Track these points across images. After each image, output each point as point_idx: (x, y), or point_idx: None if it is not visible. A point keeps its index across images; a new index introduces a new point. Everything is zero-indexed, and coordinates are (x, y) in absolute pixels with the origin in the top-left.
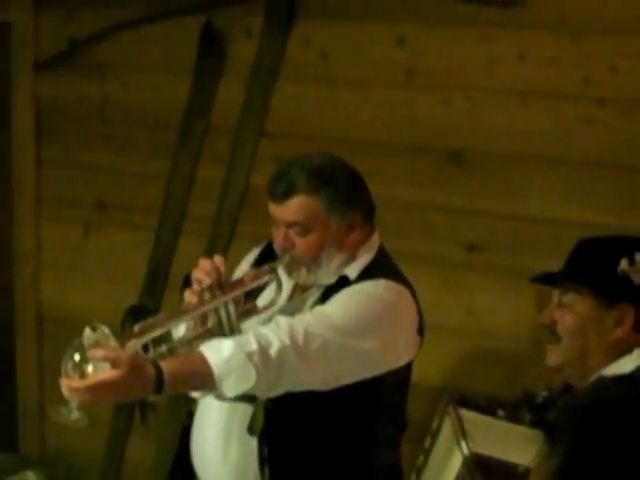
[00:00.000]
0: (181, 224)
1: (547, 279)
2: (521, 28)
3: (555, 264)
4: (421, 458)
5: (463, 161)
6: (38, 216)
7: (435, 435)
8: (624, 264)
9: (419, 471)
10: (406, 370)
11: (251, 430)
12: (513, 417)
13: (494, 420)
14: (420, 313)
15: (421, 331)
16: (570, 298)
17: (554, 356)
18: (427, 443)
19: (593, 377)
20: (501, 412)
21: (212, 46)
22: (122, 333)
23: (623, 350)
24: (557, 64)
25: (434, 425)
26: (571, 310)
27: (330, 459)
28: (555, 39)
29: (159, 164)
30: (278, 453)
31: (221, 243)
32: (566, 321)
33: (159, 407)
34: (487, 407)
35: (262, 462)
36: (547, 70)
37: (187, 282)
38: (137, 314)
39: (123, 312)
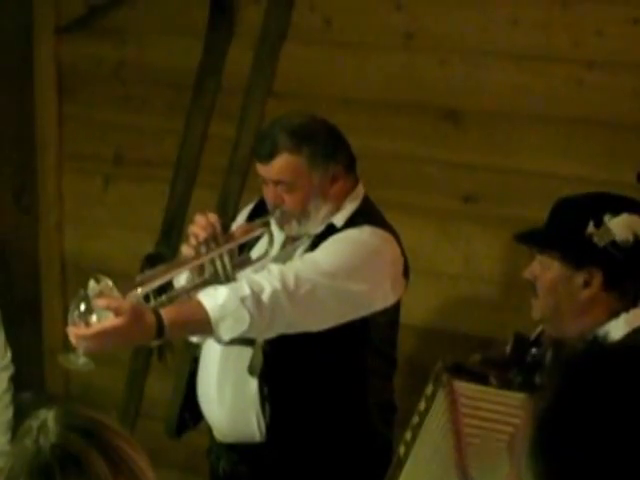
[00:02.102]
0: (195, 177)
1: (525, 240)
2: None
3: (545, 215)
4: (416, 419)
5: (459, 119)
6: (60, 170)
7: (429, 401)
8: (591, 227)
9: (414, 431)
10: (394, 309)
11: (251, 371)
12: (504, 382)
13: (487, 389)
14: (404, 256)
15: (406, 273)
16: (545, 258)
17: (535, 310)
18: (422, 406)
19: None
20: (493, 380)
21: (223, 11)
22: (125, 283)
23: (596, 309)
24: (548, 29)
25: (428, 390)
26: (546, 269)
27: (327, 395)
28: (546, 5)
29: (174, 121)
30: (277, 392)
31: (232, 194)
32: (541, 279)
33: (176, 347)
34: (479, 373)
35: (263, 401)
36: (538, 34)
37: None
38: (154, 261)
39: (141, 260)
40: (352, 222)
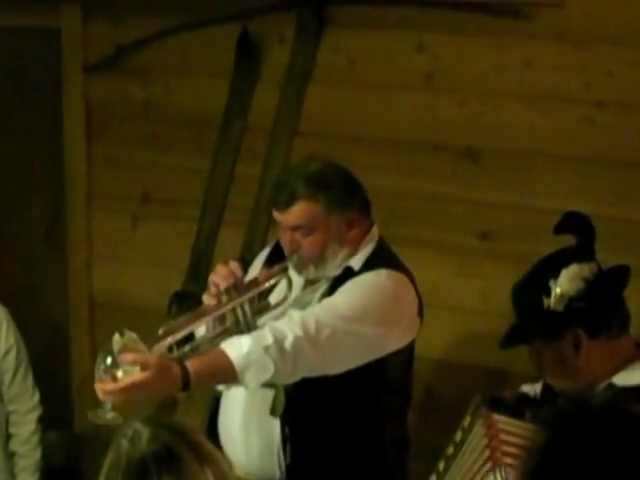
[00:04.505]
0: (221, 216)
1: (506, 344)
2: (528, 38)
3: None
4: (450, 449)
5: (477, 157)
6: (89, 209)
7: (467, 432)
8: (545, 300)
9: (448, 461)
10: (409, 348)
11: (273, 412)
12: (539, 418)
13: (524, 424)
14: (419, 297)
15: (420, 313)
16: (532, 347)
17: (556, 386)
18: (458, 437)
19: (603, 383)
20: (528, 414)
21: (248, 52)
22: (149, 336)
23: (599, 359)
24: (560, 70)
25: (465, 422)
26: (539, 354)
27: (345, 434)
28: (559, 48)
29: (201, 161)
30: (298, 432)
31: (258, 233)
32: (541, 364)
33: None
34: (516, 408)
35: (284, 441)
36: (551, 76)
37: None
38: (182, 299)
39: (169, 297)
40: (369, 265)
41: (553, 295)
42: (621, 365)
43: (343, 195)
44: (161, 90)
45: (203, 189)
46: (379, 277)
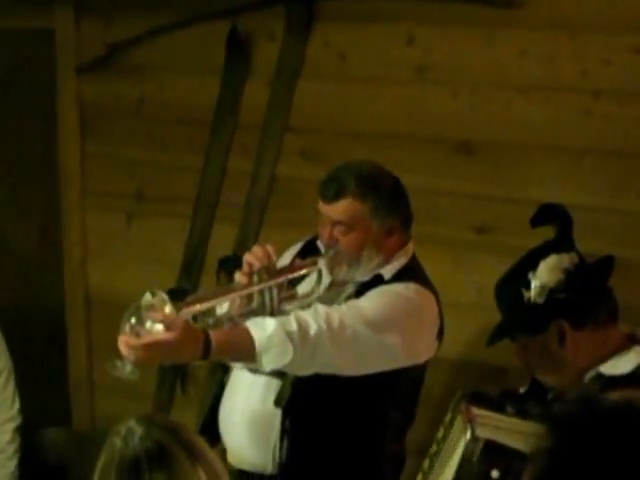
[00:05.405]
0: (214, 212)
1: (492, 341)
2: (522, 27)
3: None
4: (434, 447)
5: (471, 150)
6: (83, 207)
7: (448, 428)
8: (525, 293)
9: (432, 459)
10: (423, 367)
11: (277, 402)
12: (521, 412)
13: (503, 417)
14: (441, 319)
15: (440, 336)
16: (519, 342)
17: (544, 381)
18: (440, 434)
19: (590, 373)
20: (510, 409)
21: (238, 48)
22: (175, 302)
23: (585, 349)
24: (555, 60)
25: (447, 418)
26: (525, 349)
27: (345, 440)
28: (553, 36)
29: (193, 158)
30: (298, 427)
31: (251, 229)
32: (527, 358)
33: (199, 379)
34: (497, 403)
35: (283, 434)
36: (546, 65)
37: (221, 264)
38: (176, 296)
39: None
40: (399, 277)
41: (533, 288)
42: (609, 355)
43: (390, 202)
44: (153, 88)
45: (196, 186)
46: (407, 290)
